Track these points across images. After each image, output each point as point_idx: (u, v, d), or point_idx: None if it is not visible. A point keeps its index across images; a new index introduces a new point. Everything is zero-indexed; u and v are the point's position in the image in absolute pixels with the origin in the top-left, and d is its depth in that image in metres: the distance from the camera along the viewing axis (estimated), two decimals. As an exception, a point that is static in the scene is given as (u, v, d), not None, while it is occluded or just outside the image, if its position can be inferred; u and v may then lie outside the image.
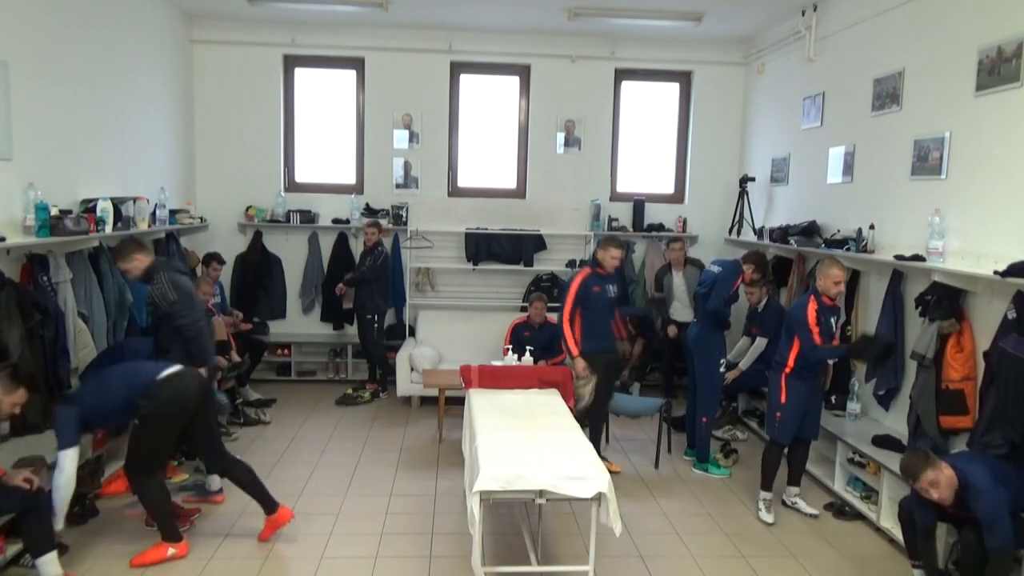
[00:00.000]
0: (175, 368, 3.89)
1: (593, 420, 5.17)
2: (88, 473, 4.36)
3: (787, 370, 4.58)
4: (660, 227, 7.60)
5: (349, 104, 7.59)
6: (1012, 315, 3.76)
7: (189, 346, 4.33)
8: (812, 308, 4.45)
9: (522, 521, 4.17)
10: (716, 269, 5.34)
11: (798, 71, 6.43)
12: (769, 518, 4.56)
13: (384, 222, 7.26)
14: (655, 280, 7.03)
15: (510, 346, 5.88)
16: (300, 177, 7.64)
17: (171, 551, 3.80)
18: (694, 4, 6.26)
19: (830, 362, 5.43)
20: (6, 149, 4.25)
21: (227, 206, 7.35)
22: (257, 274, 7.36)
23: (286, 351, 7.38)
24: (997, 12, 4.09)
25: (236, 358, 5.92)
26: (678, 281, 6.71)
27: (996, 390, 3.76)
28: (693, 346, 5.36)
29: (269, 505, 4.07)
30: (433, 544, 4.10)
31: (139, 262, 4.32)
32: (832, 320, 4.55)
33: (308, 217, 7.36)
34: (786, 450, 4.75)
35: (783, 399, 4.58)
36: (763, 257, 5.60)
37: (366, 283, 6.81)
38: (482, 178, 7.78)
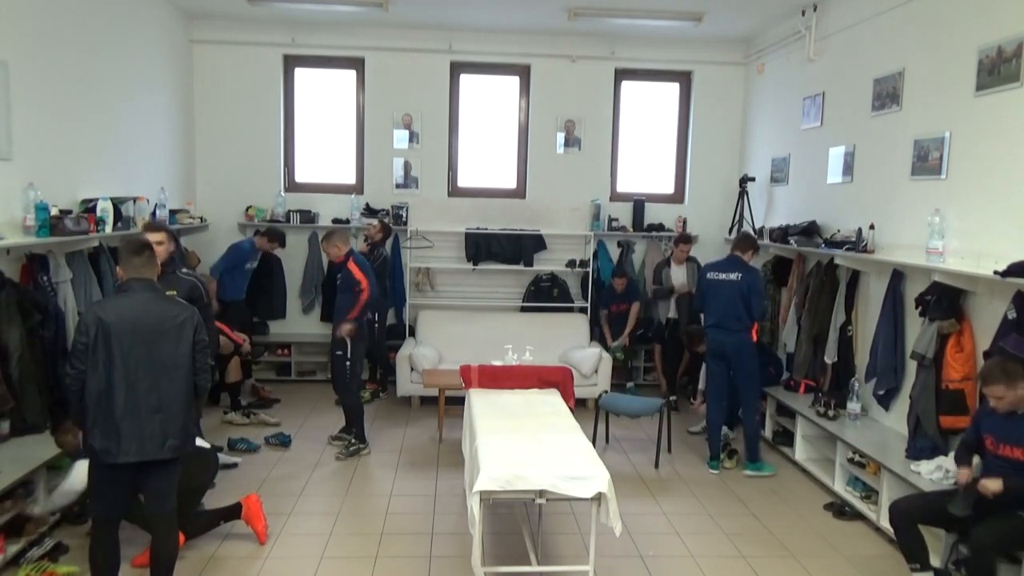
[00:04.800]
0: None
1: None
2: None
3: None
4: (660, 227, 7.60)
5: (349, 104, 7.58)
6: (1012, 315, 3.76)
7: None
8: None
9: (522, 521, 4.17)
10: (734, 277, 5.22)
11: (798, 71, 6.43)
12: None
13: (384, 222, 7.26)
14: (653, 274, 7.10)
15: None
16: (300, 177, 7.64)
17: None
18: (694, 4, 6.26)
19: (829, 362, 5.44)
20: (6, 149, 4.25)
21: (227, 206, 7.35)
22: (257, 274, 7.34)
23: (286, 351, 7.38)
24: (997, 12, 4.09)
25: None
26: (677, 272, 6.80)
27: (996, 390, 3.76)
28: (739, 353, 5.21)
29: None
30: (433, 544, 4.10)
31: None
32: None
33: (308, 217, 7.36)
34: None
35: None
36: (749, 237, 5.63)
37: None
38: (482, 178, 7.78)
